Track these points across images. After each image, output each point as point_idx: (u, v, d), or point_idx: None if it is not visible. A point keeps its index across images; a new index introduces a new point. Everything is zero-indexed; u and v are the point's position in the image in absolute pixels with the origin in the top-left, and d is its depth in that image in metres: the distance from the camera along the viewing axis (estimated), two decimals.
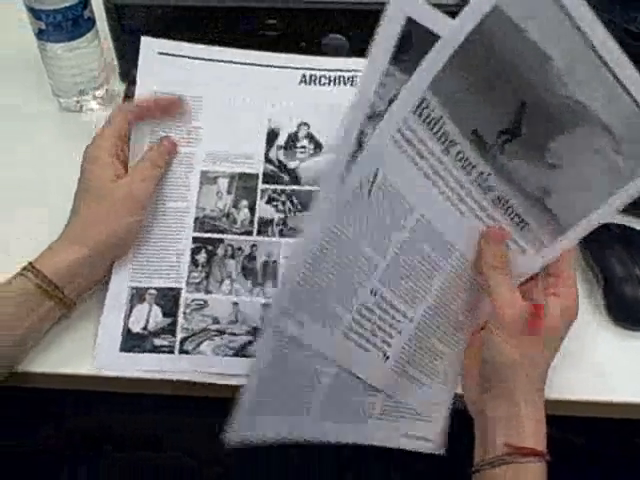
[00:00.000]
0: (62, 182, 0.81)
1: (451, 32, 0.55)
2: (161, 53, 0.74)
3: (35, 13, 0.82)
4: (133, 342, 0.67)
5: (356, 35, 0.88)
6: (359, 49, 0.87)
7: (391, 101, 0.56)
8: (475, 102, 0.57)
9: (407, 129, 0.57)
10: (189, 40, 0.89)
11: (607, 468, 0.77)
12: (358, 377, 0.63)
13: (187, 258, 0.70)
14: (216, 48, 0.75)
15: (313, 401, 0.63)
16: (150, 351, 0.66)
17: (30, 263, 0.64)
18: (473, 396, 0.63)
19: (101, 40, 0.89)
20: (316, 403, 0.63)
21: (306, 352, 0.61)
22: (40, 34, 0.84)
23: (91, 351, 0.67)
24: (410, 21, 0.54)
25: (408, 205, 0.59)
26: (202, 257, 0.70)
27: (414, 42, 0.55)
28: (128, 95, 0.88)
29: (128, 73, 0.91)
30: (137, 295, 0.69)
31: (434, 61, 0.55)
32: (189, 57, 0.74)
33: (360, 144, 0.56)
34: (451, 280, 0.62)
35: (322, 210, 0.56)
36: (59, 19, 0.82)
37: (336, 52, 0.89)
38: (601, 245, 0.74)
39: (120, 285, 0.69)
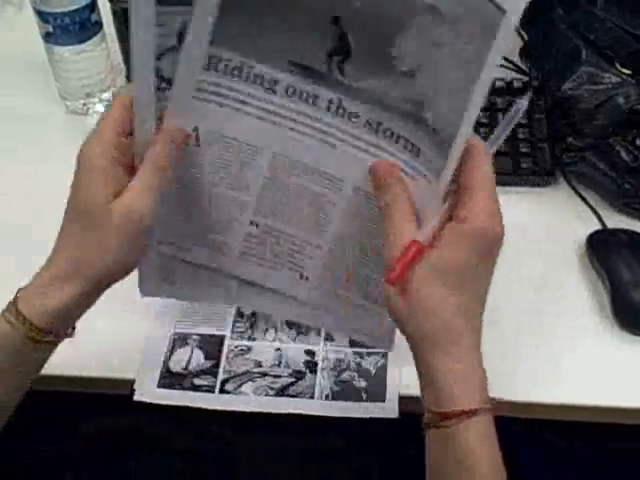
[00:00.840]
0: (68, 185, 0.82)
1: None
2: None
3: (43, 16, 0.82)
4: (172, 379, 0.68)
5: None
6: None
7: (181, 34, 0.54)
8: (275, 36, 0.53)
9: (209, 85, 0.55)
10: None
11: (611, 474, 0.77)
12: (274, 290, 0.64)
13: (233, 310, 0.73)
14: None
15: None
16: (189, 389, 0.67)
17: (15, 305, 0.55)
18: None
19: (108, 43, 0.88)
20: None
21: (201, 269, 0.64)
22: (47, 37, 0.84)
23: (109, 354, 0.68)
24: None
25: (253, 146, 0.58)
26: (248, 310, 0.73)
27: None
28: None
29: None
30: (180, 339, 0.70)
31: (202, 18, 0.52)
32: None
33: (162, 78, 0.55)
34: (358, 213, 0.60)
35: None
36: (67, 22, 0.82)
37: None
38: (608, 250, 0.74)
39: (163, 330, 0.71)
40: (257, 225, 0.62)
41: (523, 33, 0.97)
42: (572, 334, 0.70)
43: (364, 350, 0.70)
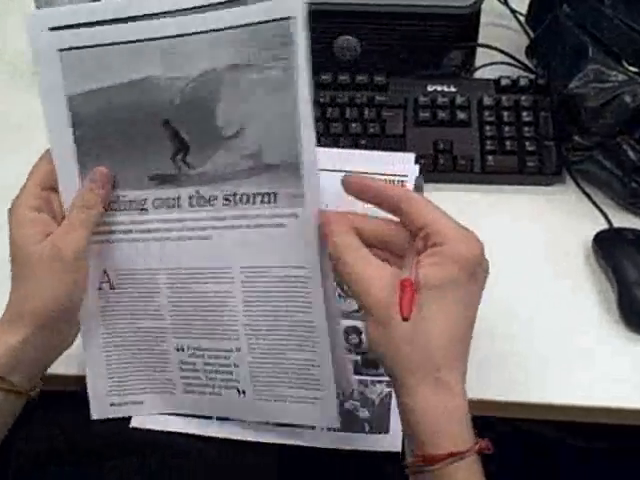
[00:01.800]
0: None
1: (52, 142, 0.59)
2: None
3: None
4: None
5: (368, 36, 0.88)
6: (370, 50, 0.88)
7: None
8: (129, 160, 0.59)
9: (104, 227, 0.60)
10: None
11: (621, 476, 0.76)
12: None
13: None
14: None
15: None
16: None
17: None
18: None
19: None
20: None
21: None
22: None
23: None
24: None
25: (150, 270, 0.61)
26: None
27: None
28: None
29: None
30: None
31: (66, 161, 0.59)
32: None
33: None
34: (255, 295, 0.60)
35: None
36: None
37: (348, 53, 0.89)
38: (615, 249, 0.73)
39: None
40: (183, 349, 0.63)
41: (529, 31, 0.96)
42: (578, 333, 0.69)
43: (368, 378, 0.66)
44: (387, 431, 0.64)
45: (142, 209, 0.60)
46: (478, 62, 0.92)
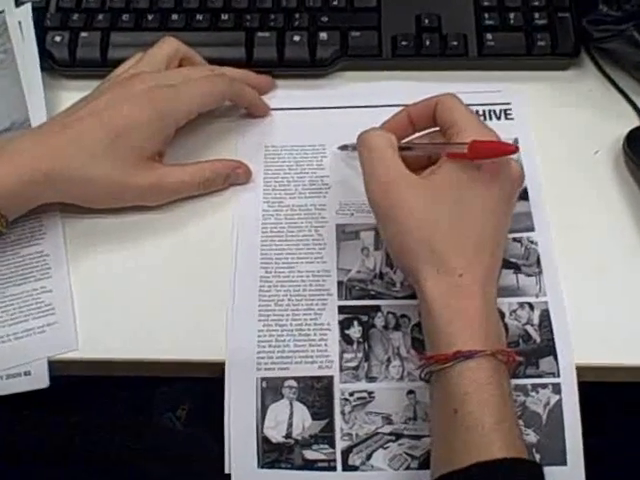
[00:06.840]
0: None
1: None
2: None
3: None
4: (276, 455, 0.54)
5: None
6: None
7: None
8: None
9: None
10: None
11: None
12: None
13: (336, 335, 0.57)
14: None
15: None
16: (302, 468, 0.54)
17: None
18: None
19: None
20: None
21: None
22: None
23: None
24: None
25: None
26: (356, 331, 0.57)
27: None
28: None
29: None
30: (270, 389, 0.55)
31: None
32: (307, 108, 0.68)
33: None
34: None
35: None
36: None
37: None
38: None
39: (244, 374, 0.55)
40: None
41: None
42: (604, 247, 0.62)
43: (527, 382, 0.54)
44: (564, 462, 0.52)
45: None
46: None
